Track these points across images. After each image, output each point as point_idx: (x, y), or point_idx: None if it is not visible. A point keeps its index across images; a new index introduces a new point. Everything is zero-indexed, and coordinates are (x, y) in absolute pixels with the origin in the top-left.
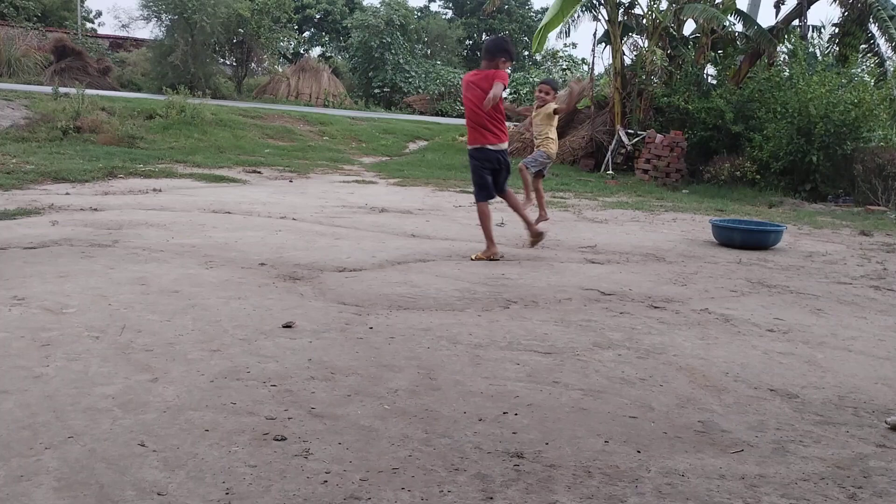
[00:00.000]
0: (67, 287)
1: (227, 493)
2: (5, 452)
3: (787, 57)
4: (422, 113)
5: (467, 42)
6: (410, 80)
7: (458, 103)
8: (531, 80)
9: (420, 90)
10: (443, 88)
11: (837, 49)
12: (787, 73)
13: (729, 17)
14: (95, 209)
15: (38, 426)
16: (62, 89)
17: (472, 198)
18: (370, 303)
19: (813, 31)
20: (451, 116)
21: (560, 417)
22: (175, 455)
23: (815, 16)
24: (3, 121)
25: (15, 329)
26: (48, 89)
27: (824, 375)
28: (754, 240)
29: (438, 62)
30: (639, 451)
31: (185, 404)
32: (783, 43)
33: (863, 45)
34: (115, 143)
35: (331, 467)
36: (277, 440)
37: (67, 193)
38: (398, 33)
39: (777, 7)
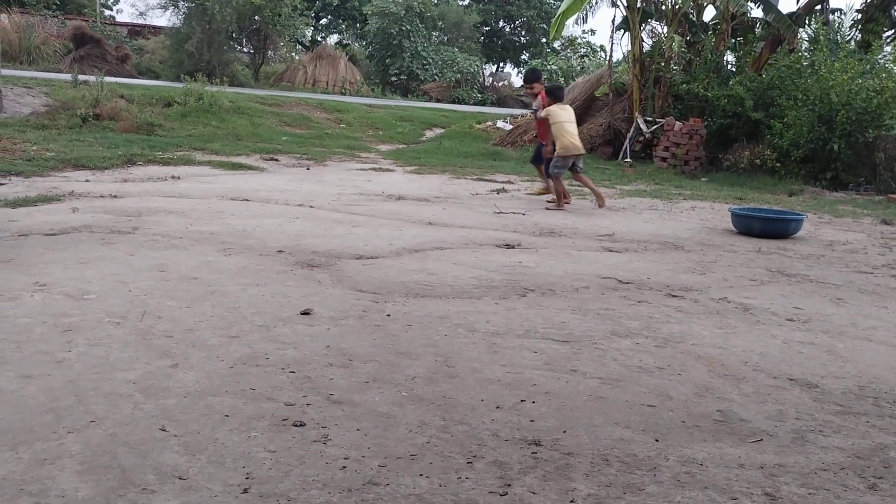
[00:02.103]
0: (88, 273)
1: (246, 478)
2: (29, 436)
3: (807, 43)
4: (438, 100)
5: (484, 28)
6: (427, 67)
7: (474, 91)
8: (549, 67)
9: (437, 77)
10: (459, 76)
11: (860, 36)
12: (807, 60)
13: (749, 2)
14: (115, 196)
15: (61, 410)
16: (81, 77)
17: (488, 186)
18: (387, 290)
19: (832, 14)
20: (467, 104)
21: (578, 406)
22: (195, 440)
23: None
24: (24, 108)
25: (37, 315)
26: (68, 77)
27: (844, 365)
28: (774, 228)
29: (457, 49)
30: (657, 440)
31: (205, 390)
32: (804, 29)
33: (888, 32)
34: (134, 130)
35: (349, 453)
36: (296, 426)
37: (87, 180)
38: (417, 20)
39: None
